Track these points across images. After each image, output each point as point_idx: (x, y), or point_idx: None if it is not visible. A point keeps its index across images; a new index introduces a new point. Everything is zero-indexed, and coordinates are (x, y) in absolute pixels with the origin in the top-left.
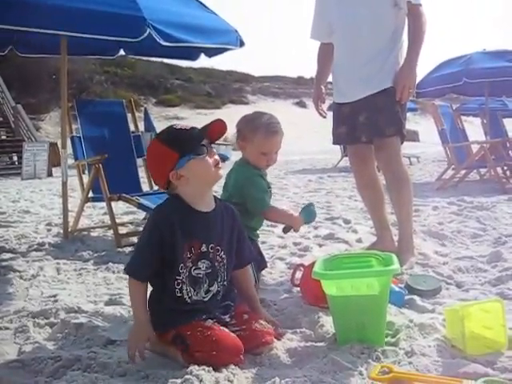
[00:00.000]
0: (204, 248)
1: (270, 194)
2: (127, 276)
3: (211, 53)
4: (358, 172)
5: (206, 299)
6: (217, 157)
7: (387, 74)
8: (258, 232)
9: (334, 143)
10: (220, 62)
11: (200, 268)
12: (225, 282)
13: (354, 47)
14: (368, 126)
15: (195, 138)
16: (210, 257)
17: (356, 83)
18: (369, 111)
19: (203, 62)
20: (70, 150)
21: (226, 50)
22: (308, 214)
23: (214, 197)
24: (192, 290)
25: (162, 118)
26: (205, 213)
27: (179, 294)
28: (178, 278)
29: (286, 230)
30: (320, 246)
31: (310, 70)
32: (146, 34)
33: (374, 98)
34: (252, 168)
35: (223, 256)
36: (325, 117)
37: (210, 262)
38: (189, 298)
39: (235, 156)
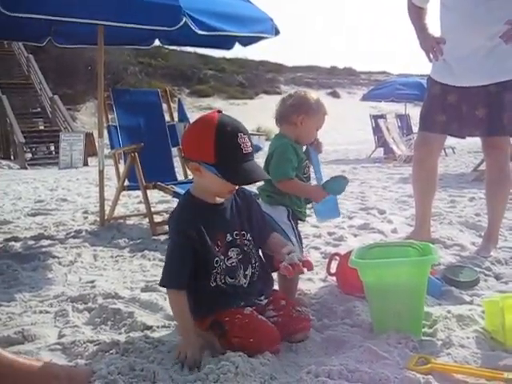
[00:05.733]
0: (229, 237)
1: (305, 168)
2: (163, 263)
3: (246, 41)
4: (421, 161)
5: (244, 284)
6: (236, 187)
7: None
8: (304, 210)
9: (424, 130)
10: (253, 53)
11: (231, 257)
12: (257, 263)
13: (481, 20)
14: (488, 122)
15: (236, 165)
16: (238, 243)
17: (476, 66)
18: (490, 106)
19: (236, 52)
20: (106, 139)
21: (261, 38)
22: (334, 185)
23: None
24: (227, 278)
25: (196, 109)
26: (219, 204)
27: (214, 284)
28: (213, 271)
29: None
30: (355, 235)
31: (343, 60)
32: (181, 23)
33: (497, 89)
34: (287, 139)
35: (249, 238)
36: (437, 59)
37: (239, 249)
38: (225, 285)
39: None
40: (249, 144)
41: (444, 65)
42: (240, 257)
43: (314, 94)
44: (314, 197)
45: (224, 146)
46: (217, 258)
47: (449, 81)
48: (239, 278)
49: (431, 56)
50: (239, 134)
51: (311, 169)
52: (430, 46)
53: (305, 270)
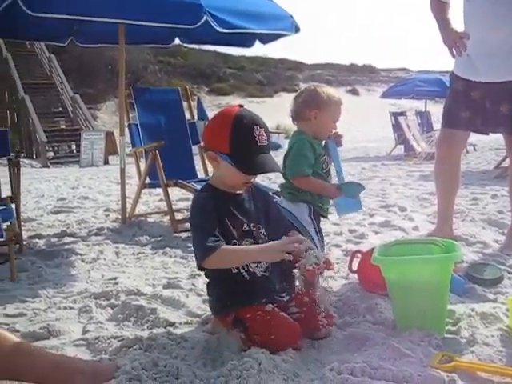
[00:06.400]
0: (246, 227)
1: (324, 164)
2: (184, 260)
3: (266, 39)
4: (443, 158)
5: (262, 274)
6: (252, 180)
7: None
8: (326, 207)
9: (447, 127)
10: (272, 51)
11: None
12: None
13: (504, 15)
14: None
15: (249, 156)
16: (254, 235)
17: (500, 61)
18: None
19: (256, 50)
20: (127, 137)
21: (281, 35)
22: (350, 187)
23: None
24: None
25: (215, 107)
26: (238, 194)
27: (235, 271)
28: None
29: None
30: (376, 233)
31: (362, 57)
32: (202, 21)
33: None
34: (305, 135)
35: (264, 233)
36: (460, 55)
37: (253, 240)
38: (245, 272)
39: (287, 144)
40: (265, 137)
41: (468, 60)
42: None
43: (325, 88)
44: (329, 194)
45: (238, 136)
46: (235, 241)
47: (472, 76)
48: (257, 264)
49: (454, 52)
50: (255, 127)
51: (331, 164)
52: (453, 41)
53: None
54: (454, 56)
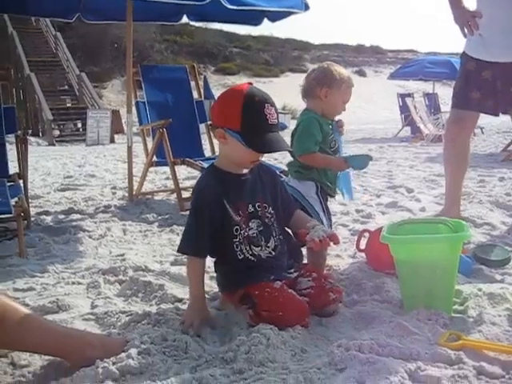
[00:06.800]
0: (251, 208)
1: (332, 142)
2: None
3: (275, 17)
4: (453, 139)
5: (267, 255)
6: (260, 158)
7: None
8: (334, 186)
9: (457, 107)
10: (279, 30)
11: (252, 228)
12: (280, 236)
13: None
14: None
15: (260, 134)
16: (259, 215)
17: None
18: None
19: (262, 29)
20: (134, 115)
21: (290, 13)
22: (357, 159)
23: None
24: (252, 248)
25: (221, 87)
26: (242, 175)
27: (241, 256)
28: (235, 240)
29: None
30: (383, 213)
31: (369, 38)
32: None
33: None
34: (313, 113)
35: (271, 211)
36: (472, 34)
37: (259, 221)
38: (251, 256)
39: (294, 125)
40: (275, 116)
41: (480, 40)
42: (261, 228)
43: (337, 67)
44: (336, 168)
45: (250, 113)
46: (236, 227)
47: (484, 56)
48: (261, 248)
49: (466, 31)
50: (266, 105)
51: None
52: (465, 20)
53: (331, 244)
54: (465, 35)
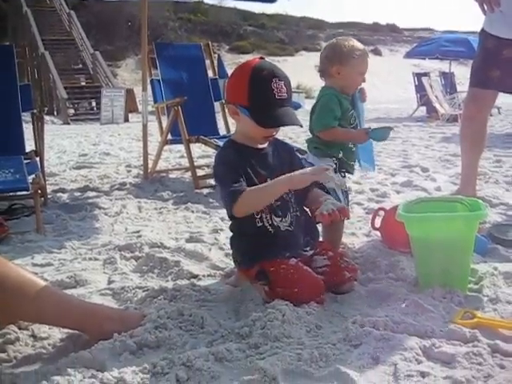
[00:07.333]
0: (269, 181)
1: (352, 118)
2: (206, 215)
3: None
4: (470, 118)
5: (286, 228)
6: (274, 134)
7: None
8: (352, 163)
9: (476, 86)
10: (293, 8)
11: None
12: (297, 212)
13: None
14: None
15: (267, 108)
16: None
17: None
18: None
19: (277, 7)
20: (149, 93)
21: None
22: (378, 131)
23: None
24: (272, 217)
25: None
26: (260, 149)
27: (260, 224)
28: None
29: None
30: (398, 192)
31: (385, 16)
32: None
33: None
34: (333, 90)
35: None
36: (492, 11)
37: None
38: (270, 226)
39: (308, 104)
40: (284, 90)
41: (501, 16)
42: (278, 203)
43: (347, 40)
44: (357, 140)
45: (256, 89)
46: None
47: (506, 34)
48: (279, 219)
49: (486, 7)
50: (274, 79)
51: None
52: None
53: (341, 217)
54: (485, 12)
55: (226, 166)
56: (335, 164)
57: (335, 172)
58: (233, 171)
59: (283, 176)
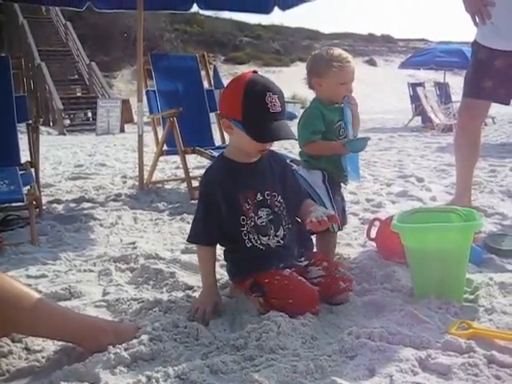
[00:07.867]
0: (260, 197)
1: (340, 130)
2: None
3: (286, 5)
4: (464, 128)
5: (276, 245)
6: (268, 147)
7: None
8: (345, 173)
9: (469, 96)
10: (289, 19)
11: (261, 216)
12: (289, 225)
13: None
14: None
15: (261, 123)
16: (268, 203)
17: None
18: None
19: (272, 18)
20: (145, 104)
21: (300, 2)
22: (355, 143)
23: None
24: (260, 237)
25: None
26: (251, 163)
27: (250, 244)
28: (243, 229)
29: None
30: (393, 202)
31: (380, 27)
32: None
33: None
34: (318, 103)
35: (281, 200)
36: (484, 22)
37: (269, 209)
38: (260, 244)
39: None
40: (278, 104)
41: (492, 28)
42: (270, 217)
43: (327, 50)
44: (338, 152)
45: (250, 103)
46: (243, 216)
47: (497, 45)
48: (269, 237)
49: (477, 19)
50: (267, 93)
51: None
52: (477, 8)
53: (331, 224)
54: (476, 24)
55: (203, 198)
56: (323, 175)
57: (323, 183)
58: (211, 210)
59: (212, 280)
